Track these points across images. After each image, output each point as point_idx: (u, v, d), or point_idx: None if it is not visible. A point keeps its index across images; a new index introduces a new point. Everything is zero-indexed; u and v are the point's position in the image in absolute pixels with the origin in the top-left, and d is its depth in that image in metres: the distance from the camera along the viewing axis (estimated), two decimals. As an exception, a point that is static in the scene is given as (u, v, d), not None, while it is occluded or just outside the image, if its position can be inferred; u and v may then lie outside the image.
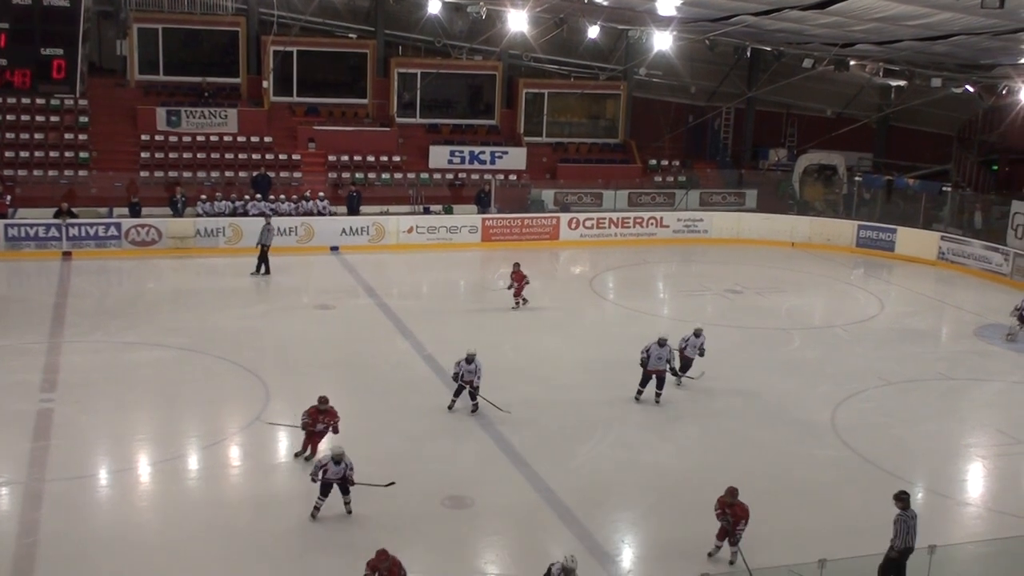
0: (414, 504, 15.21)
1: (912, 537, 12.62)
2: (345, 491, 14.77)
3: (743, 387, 20.76)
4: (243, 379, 20.27)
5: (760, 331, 25.25)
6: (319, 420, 16.39)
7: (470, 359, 18.47)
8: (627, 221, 36.14)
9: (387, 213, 34.02)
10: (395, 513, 14.89)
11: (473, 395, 18.67)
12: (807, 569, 11.31)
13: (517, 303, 26.30)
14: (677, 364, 20.25)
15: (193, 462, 16.90)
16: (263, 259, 28.90)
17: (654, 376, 19.49)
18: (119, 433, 17.82)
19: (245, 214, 32.11)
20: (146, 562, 13.45)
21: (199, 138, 35.46)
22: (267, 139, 36.13)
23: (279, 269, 29.68)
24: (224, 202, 32.38)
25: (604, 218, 35.98)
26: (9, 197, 30.95)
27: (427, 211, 35.07)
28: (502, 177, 37.26)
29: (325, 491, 14.68)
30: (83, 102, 34.35)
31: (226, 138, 35.76)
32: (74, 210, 30.94)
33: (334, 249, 32.32)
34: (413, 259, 32.32)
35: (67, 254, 29.90)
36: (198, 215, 31.89)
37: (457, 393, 18.73)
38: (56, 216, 30.39)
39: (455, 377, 18.62)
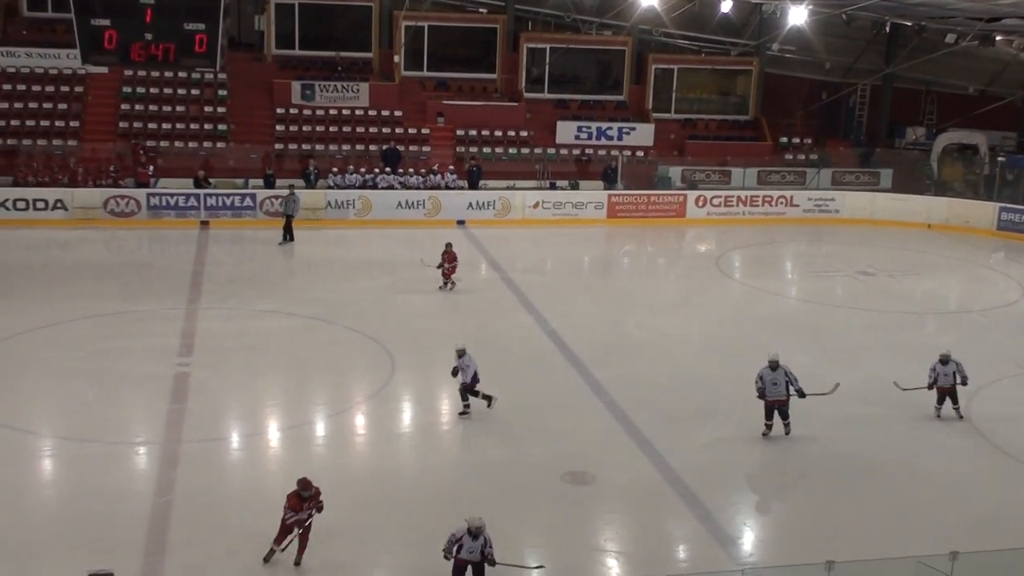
0: (534, 479, 15.30)
1: None
2: (480, 572, 12.12)
3: (873, 372, 20.23)
4: (370, 349, 20.64)
5: (892, 315, 24.55)
6: (303, 509, 12.83)
7: (461, 354, 17.26)
8: (756, 199, 35.47)
9: (513, 188, 34.14)
10: (515, 488, 15.01)
11: (465, 394, 17.37)
12: (938, 561, 10.98)
13: (445, 283, 24.86)
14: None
15: (320, 429, 17.33)
16: (287, 228, 29.44)
17: (776, 408, 16.90)
18: (251, 398, 18.39)
19: (375, 187, 32.67)
20: (276, 521, 13.84)
21: (331, 111, 36.12)
22: (397, 113, 36.58)
23: (408, 241, 30.09)
24: (355, 175, 32.97)
25: (732, 196, 35.40)
26: (152, 167, 32.09)
27: (553, 186, 35.06)
28: (629, 153, 36.96)
29: (459, 573, 12.12)
30: (222, 76, 35.26)
31: (357, 112, 36.33)
32: (211, 180, 31.94)
33: (460, 223, 32.60)
34: (538, 234, 32.38)
35: (205, 223, 30.90)
36: (329, 187, 32.55)
37: (464, 396, 17.41)
38: (196, 185, 31.44)
39: (454, 372, 17.40)
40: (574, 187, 35.17)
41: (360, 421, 17.77)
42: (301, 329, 21.93)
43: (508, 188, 34.11)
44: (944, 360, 17.95)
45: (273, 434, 17.14)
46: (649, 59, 39.42)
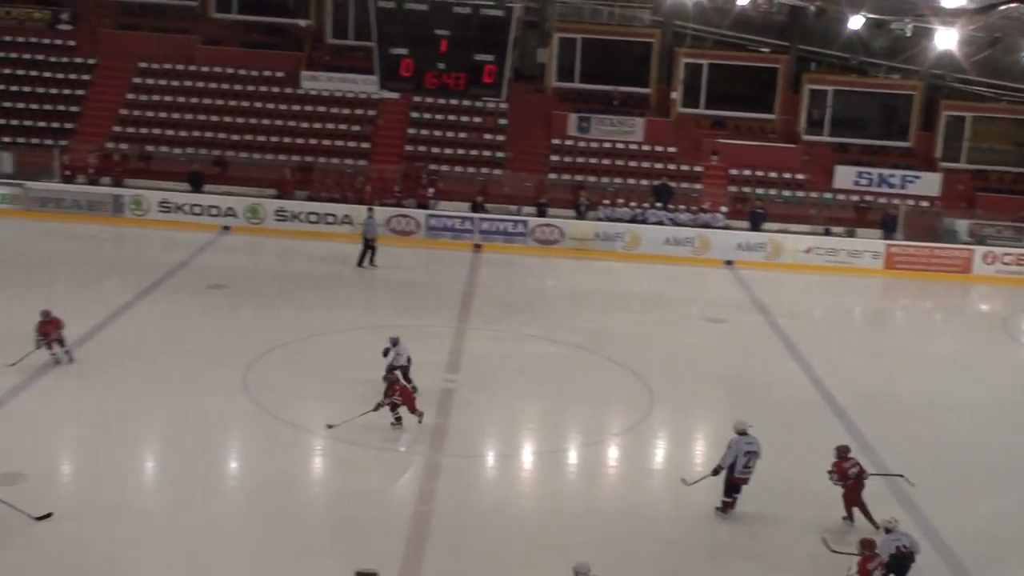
0: (794, 538, 14.84)
1: None
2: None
3: None
4: (630, 382, 20.63)
5: None
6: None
7: (395, 342, 18.88)
8: (1055, 259, 33.02)
9: (786, 231, 33.35)
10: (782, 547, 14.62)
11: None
12: None
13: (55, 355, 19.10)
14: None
15: (573, 457, 17.52)
16: (365, 251, 29.01)
17: None
18: (510, 420, 18.83)
19: (644, 221, 32.74)
20: (527, 538, 14.26)
21: (606, 144, 36.52)
22: (671, 149, 36.56)
23: (674, 277, 29.95)
24: (624, 208, 33.19)
25: (1026, 254, 33.10)
26: (432, 190, 33.52)
27: (828, 232, 33.94)
28: (912, 203, 35.35)
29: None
30: (504, 106, 36.35)
31: (631, 146, 36.57)
32: (487, 205, 33.04)
33: (728, 263, 32.15)
34: (809, 280, 31.44)
35: (478, 246, 31.90)
36: (599, 219, 32.93)
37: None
38: (473, 209, 32.60)
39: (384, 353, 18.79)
40: (850, 234, 33.95)
41: (613, 453, 17.81)
42: (564, 357, 22.20)
43: (780, 231, 33.35)
44: None
45: (527, 457, 17.47)
46: (940, 105, 37.59)
